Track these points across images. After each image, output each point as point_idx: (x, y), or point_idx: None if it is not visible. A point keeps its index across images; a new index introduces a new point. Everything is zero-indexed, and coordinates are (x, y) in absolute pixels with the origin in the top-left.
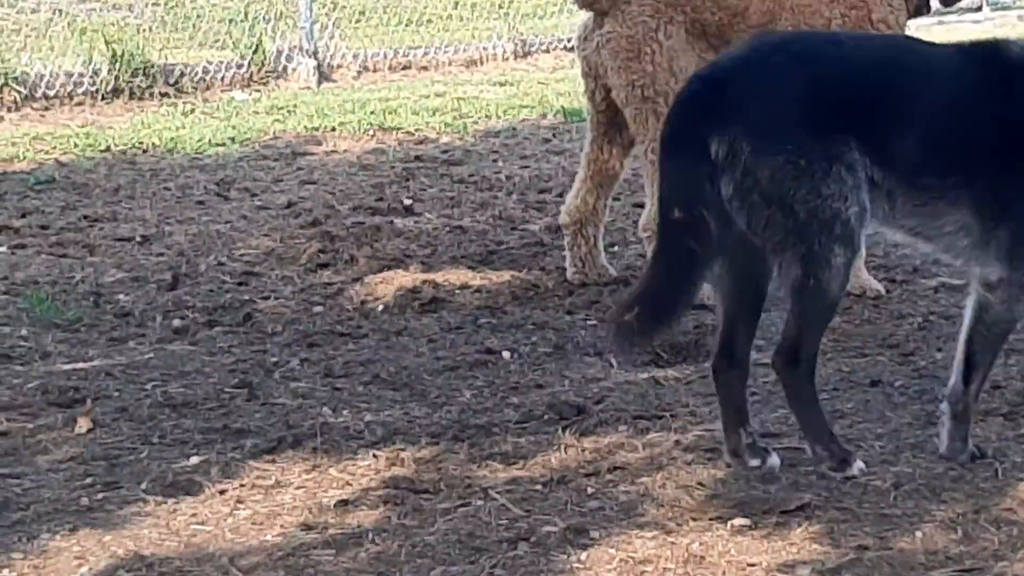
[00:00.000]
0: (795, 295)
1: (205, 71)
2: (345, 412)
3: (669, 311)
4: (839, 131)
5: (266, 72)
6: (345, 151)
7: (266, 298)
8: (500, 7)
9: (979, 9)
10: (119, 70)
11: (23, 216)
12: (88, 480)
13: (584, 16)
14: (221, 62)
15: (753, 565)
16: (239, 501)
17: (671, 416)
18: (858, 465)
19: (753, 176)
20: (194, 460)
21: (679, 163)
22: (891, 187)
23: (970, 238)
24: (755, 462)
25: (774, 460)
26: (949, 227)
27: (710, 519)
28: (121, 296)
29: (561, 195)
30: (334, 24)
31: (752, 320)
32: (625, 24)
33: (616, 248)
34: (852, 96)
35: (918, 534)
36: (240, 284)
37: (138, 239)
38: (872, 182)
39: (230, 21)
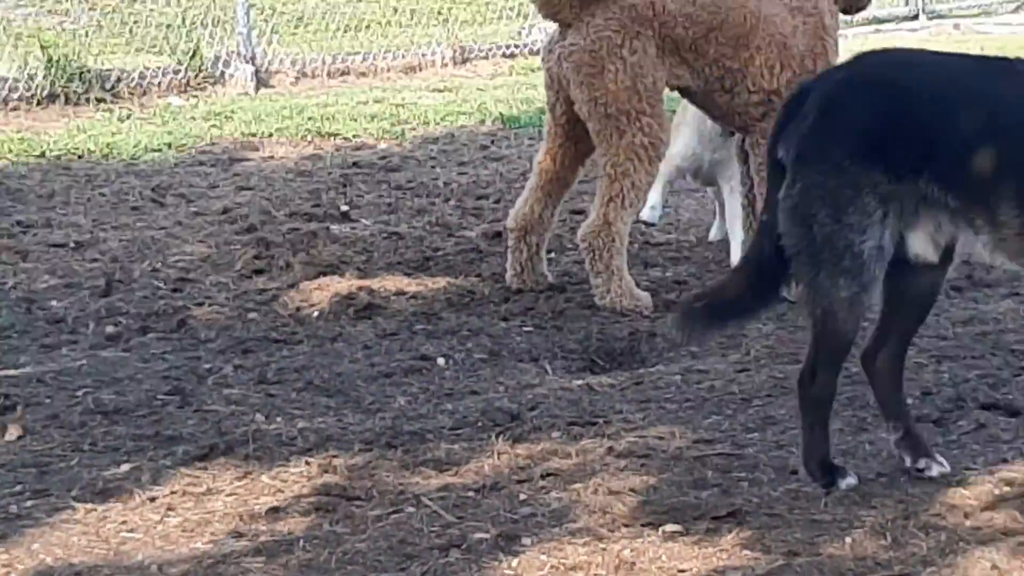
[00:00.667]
0: (808, 318)
1: (142, 76)
2: (278, 419)
3: (734, 311)
4: (895, 159)
5: (203, 78)
6: (282, 157)
7: (200, 304)
8: (439, 13)
9: (915, 18)
10: (55, 75)
11: None
12: (18, 488)
13: (552, 26)
14: (158, 68)
15: (684, 571)
16: (169, 508)
17: (604, 422)
18: (847, 481)
19: (791, 187)
20: (125, 467)
21: (769, 165)
22: (974, 218)
23: None
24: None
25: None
26: None
27: (641, 525)
28: (54, 302)
29: (499, 201)
30: (272, 30)
31: (903, 329)
32: (589, 37)
33: (552, 254)
34: (923, 127)
35: (848, 540)
36: (174, 291)
37: (72, 245)
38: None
39: (167, 26)
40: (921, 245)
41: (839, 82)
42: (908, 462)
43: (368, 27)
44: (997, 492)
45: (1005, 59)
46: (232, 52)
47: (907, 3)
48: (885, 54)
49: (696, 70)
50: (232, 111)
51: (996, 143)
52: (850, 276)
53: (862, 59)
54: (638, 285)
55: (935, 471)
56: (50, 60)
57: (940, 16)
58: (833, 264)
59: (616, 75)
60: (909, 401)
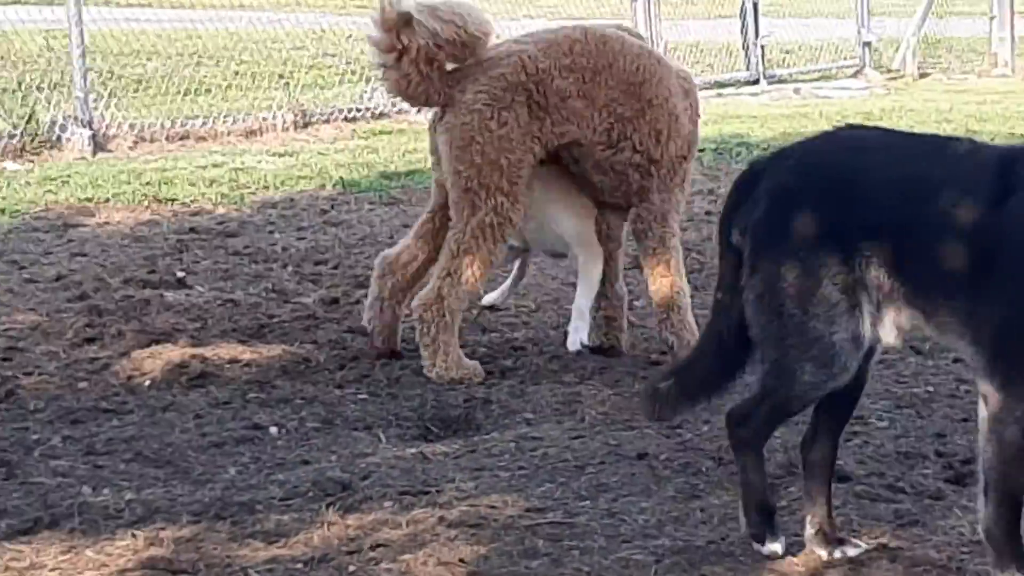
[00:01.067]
0: (761, 386)
1: None
2: (106, 491)
3: (703, 388)
4: (848, 247)
5: (39, 142)
6: (119, 222)
7: (29, 374)
8: (280, 77)
9: (756, 82)
10: None
11: None
12: None
13: None
14: None
15: None
16: None
17: (436, 491)
18: (771, 547)
19: (752, 276)
20: None
21: (721, 245)
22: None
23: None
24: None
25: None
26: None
27: None
28: None
29: (337, 267)
30: (110, 94)
31: (838, 416)
32: (460, 114)
33: None
34: (873, 210)
35: None
36: (3, 360)
37: None
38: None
39: (2, 90)
40: (888, 332)
41: (790, 168)
42: (824, 555)
43: (208, 91)
44: (827, 559)
45: (957, 139)
46: (69, 116)
47: (748, 67)
48: (836, 135)
49: (584, 118)
50: (68, 176)
51: (938, 229)
52: (819, 364)
53: (813, 140)
54: (474, 351)
55: (852, 552)
56: None
57: (780, 80)
58: (802, 352)
59: (482, 148)
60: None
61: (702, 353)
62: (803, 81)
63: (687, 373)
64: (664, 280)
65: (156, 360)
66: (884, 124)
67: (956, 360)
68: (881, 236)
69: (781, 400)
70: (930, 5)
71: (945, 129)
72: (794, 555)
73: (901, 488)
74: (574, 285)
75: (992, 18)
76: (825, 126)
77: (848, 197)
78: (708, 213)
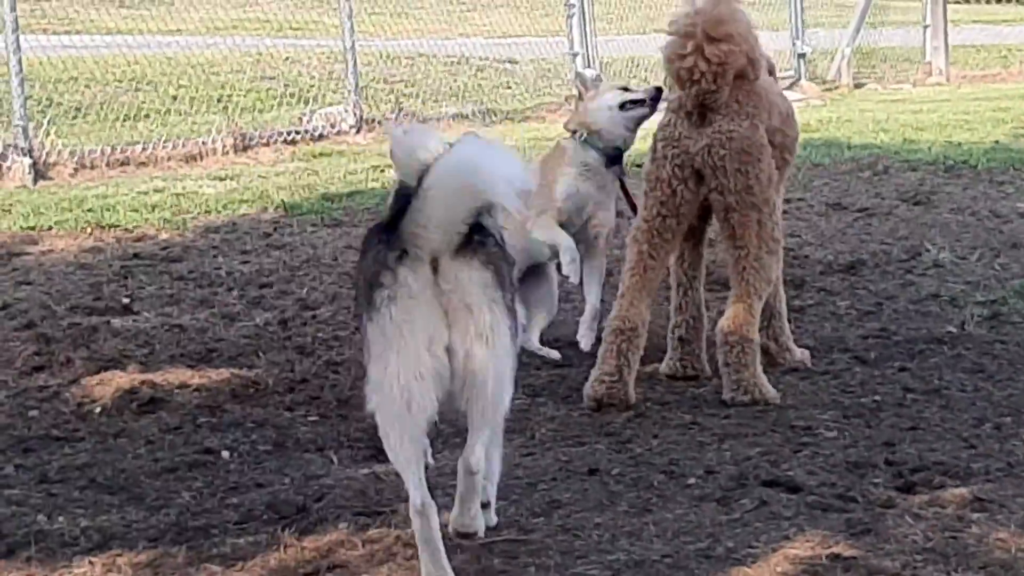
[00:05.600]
0: None
1: None
2: (60, 519)
3: None
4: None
5: None
6: (62, 250)
7: None
8: (219, 101)
9: None
10: None
11: None
12: None
13: None
14: None
15: None
16: None
17: (391, 511)
18: None
19: None
20: None
21: None
22: None
23: None
24: None
25: None
26: None
27: None
28: None
29: (283, 291)
30: (49, 121)
31: None
32: (745, 124)
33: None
34: None
35: None
36: None
37: None
38: None
39: None
40: None
41: None
42: None
43: (148, 116)
44: (780, 570)
45: None
46: (8, 145)
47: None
48: None
49: None
50: (10, 205)
51: None
52: None
53: None
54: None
55: None
56: None
57: None
58: None
59: (768, 164)
60: (692, 481)
61: None
62: None
63: None
64: None
65: (106, 387)
66: (822, 136)
67: (902, 369)
68: None
69: None
70: (864, 15)
71: (882, 139)
72: (748, 566)
73: (852, 497)
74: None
75: (926, 27)
76: None
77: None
78: None
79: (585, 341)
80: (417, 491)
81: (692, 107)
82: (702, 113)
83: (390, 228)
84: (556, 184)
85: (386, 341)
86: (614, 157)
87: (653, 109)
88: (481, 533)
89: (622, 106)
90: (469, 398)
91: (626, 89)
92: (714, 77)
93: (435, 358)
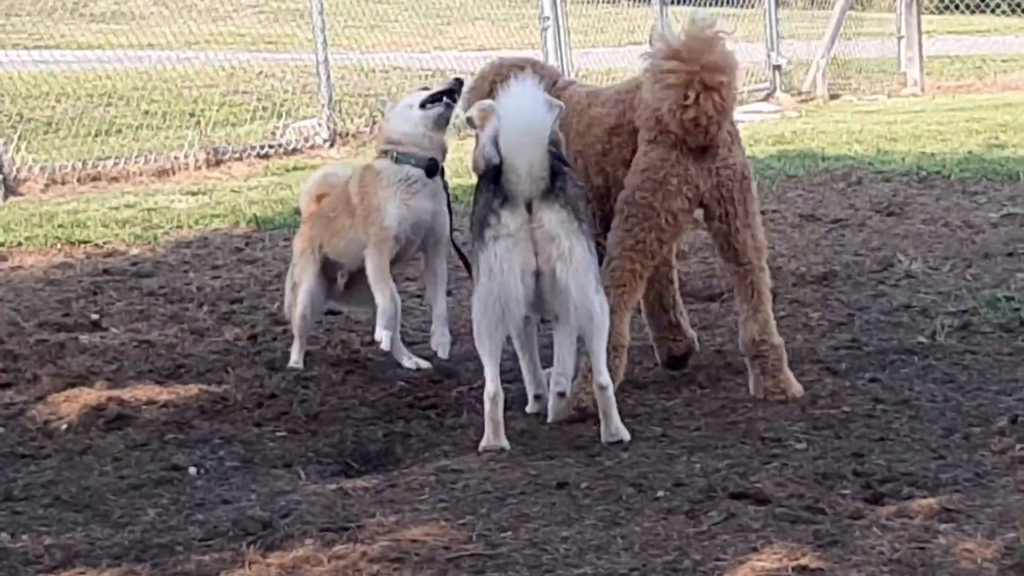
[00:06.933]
0: None
1: None
2: (24, 536)
3: None
4: None
5: None
6: (32, 266)
7: None
8: (191, 115)
9: None
10: None
11: None
12: None
13: None
14: None
15: None
16: None
17: (358, 527)
18: None
19: None
20: None
21: None
22: None
23: None
24: None
25: None
26: None
27: None
28: None
29: (254, 306)
30: (20, 137)
31: None
32: (735, 153)
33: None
34: None
35: None
36: None
37: None
38: None
39: None
40: None
41: None
42: None
43: (119, 131)
44: None
45: None
46: None
47: None
48: None
49: None
50: None
51: None
52: None
53: None
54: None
55: None
56: None
57: None
58: None
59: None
60: (660, 494)
61: None
62: None
63: None
64: None
65: (73, 403)
66: (796, 147)
67: (872, 380)
68: None
69: None
70: (839, 27)
71: (857, 150)
72: None
73: (820, 509)
74: None
75: (900, 38)
76: None
77: None
78: None
79: (442, 350)
80: (492, 382)
81: (699, 147)
82: (704, 147)
83: (495, 180)
84: (382, 211)
85: (489, 269)
86: (432, 168)
87: (454, 101)
88: (627, 439)
89: (423, 104)
90: (560, 305)
91: (426, 89)
92: (719, 124)
93: (524, 284)
